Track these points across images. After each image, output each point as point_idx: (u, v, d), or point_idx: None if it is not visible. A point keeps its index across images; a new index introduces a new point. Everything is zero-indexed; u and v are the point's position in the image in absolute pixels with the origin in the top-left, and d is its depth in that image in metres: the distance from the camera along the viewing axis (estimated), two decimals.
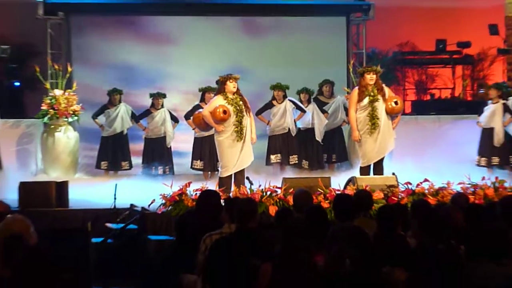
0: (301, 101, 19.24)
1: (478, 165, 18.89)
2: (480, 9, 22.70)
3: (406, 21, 23.05)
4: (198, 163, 18.76)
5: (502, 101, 18.97)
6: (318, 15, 21.33)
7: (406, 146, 18.76)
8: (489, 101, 19.32)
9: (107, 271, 12.54)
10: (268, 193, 14.73)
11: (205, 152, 18.71)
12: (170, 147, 19.52)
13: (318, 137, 19.34)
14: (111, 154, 19.14)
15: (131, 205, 14.15)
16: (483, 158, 18.99)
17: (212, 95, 17.57)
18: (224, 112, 15.81)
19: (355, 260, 7.11)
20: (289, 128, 19.04)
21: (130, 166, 19.34)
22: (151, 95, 19.41)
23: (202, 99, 18.53)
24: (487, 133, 19.02)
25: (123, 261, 13.04)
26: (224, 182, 15.86)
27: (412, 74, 23.44)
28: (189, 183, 14.84)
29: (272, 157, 18.95)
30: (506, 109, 18.90)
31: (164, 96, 19.51)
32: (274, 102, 18.96)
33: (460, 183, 15.30)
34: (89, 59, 20.54)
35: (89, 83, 20.13)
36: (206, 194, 11.21)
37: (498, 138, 18.84)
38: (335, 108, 19.50)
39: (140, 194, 15.43)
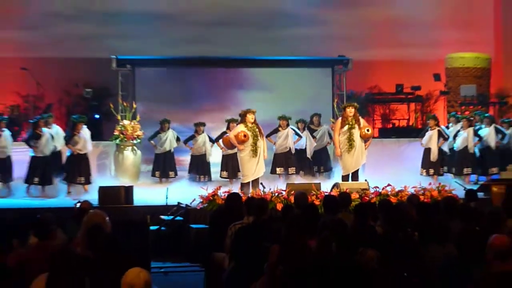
0: (298, 129, 19.10)
1: (421, 174, 18.63)
2: (427, 62, 22.11)
3: (375, 71, 22.52)
4: (224, 173, 18.70)
5: (437, 128, 18.86)
6: (314, 67, 21.18)
7: (375, 161, 18.35)
8: (429, 128, 19.19)
9: (161, 250, 13.19)
10: (276, 194, 15.02)
11: (229, 165, 18.59)
12: (209, 162, 19.26)
13: (309, 155, 19.27)
14: (162, 166, 18.95)
15: (178, 203, 14.98)
16: (424, 170, 18.88)
17: (235, 124, 17.55)
18: (244, 136, 16.11)
19: (338, 243, 7.24)
20: (289, 148, 18.88)
21: (175, 175, 19.07)
22: (195, 124, 19.09)
23: (228, 127, 18.27)
24: (427, 151, 18.92)
25: (172, 243, 13.85)
26: (244, 187, 16.23)
27: (379, 109, 22.81)
28: (219, 187, 15.10)
29: (277, 169, 18.79)
30: (440, 134, 18.75)
31: (203, 124, 19.17)
32: (280, 128, 18.79)
33: (413, 187, 15.44)
34: (149, 98, 20.25)
35: (148, 115, 19.79)
36: (231, 195, 11.74)
37: (433, 155, 18.73)
38: (322, 134, 19.35)
39: (185, 195, 15.48)
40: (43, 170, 17.62)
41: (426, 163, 19.10)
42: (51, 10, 22.06)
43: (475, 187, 15.51)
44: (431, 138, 19.02)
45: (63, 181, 17.78)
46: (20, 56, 21.08)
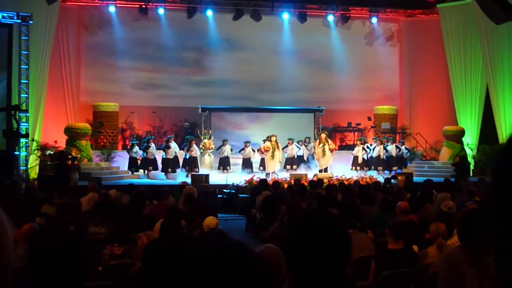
0: (299, 144, 20.58)
1: (351, 170, 19.94)
2: (364, 110, 23.38)
3: (336, 115, 23.75)
4: (260, 168, 20.13)
5: (362, 145, 20.27)
6: (304, 112, 23.04)
7: (335, 162, 20.61)
8: (356, 145, 20.55)
9: (223, 207, 14.77)
10: (284, 179, 17.32)
11: (262, 163, 20.06)
12: (251, 161, 20.35)
13: (305, 158, 20.65)
14: (223, 164, 20.26)
15: (232, 183, 17.20)
16: (353, 167, 20.20)
17: (263, 142, 19.86)
18: (267, 148, 19.30)
19: (318, 204, 8.46)
20: (293, 155, 20.40)
21: (230, 168, 20.18)
22: (245, 142, 20.46)
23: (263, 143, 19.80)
24: (355, 157, 20.32)
25: (229, 204, 15.66)
26: (266, 175, 18.59)
27: (338, 135, 24.03)
28: (253, 175, 18.08)
29: (287, 166, 20.16)
30: (363, 148, 20.19)
31: (249, 142, 20.35)
32: (288, 144, 20.31)
33: (357, 176, 18.29)
34: (221, 129, 22.09)
35: (218, 137, 21.25)
36: (261, 180, 14.06)
37: (359, 160, 20.14)
38: (310, 147, 20.70)
39: (237, 179, 17.64)
40: (171, 165, 19.67)
41: (355, 164, 20.38)
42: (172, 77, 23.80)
43: (388, 177, 16.40)
44: (358, 150, 20.35)
45: (185, 170, 19.55)
46: (152, 104, 22.88)
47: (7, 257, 1.24)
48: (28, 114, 17.60)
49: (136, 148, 19.56)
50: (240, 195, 15.83)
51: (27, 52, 17.83)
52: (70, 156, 16.68)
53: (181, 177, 18.60)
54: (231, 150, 20.22)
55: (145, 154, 19.43)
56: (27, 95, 17.80)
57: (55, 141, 19.02)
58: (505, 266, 1.05)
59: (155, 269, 2.13)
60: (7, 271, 1.24)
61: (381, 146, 20.47)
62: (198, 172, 19.06)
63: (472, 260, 3.51)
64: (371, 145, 20.90)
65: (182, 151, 19.78)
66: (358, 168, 20.18)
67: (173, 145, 19.73)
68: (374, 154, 20.49)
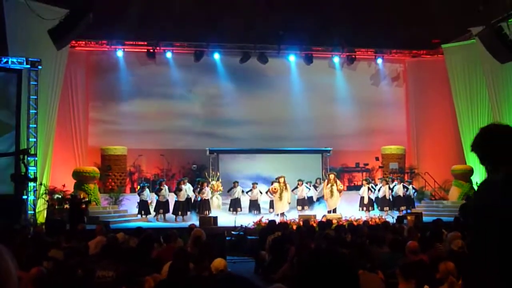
0: (308, 185, 20.73)
1: (359, 210, 19.88)
2: (372, 151, 23.55)
3: (344, 156, 23.68)
4: (270, 210, 20.19)
5: (367, 185, 20.30)
6: (312, 153, 22.91)
7: (344, 202, 20.47)
8: (363, 185, 20.59)
9: (232, 250, 14.32)
10: (292, 220, 17.37)
11: (271, 205, 20.23)
12: (259, 203, 20.46)
13: (314, 199, 20.74)
14: (233, 206, 20.30)
15: (241, 225, 16.68)
16: (360, 208, 20.19)
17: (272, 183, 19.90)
18: (275, 189, 19.31)
19: (327, 245, 8.29)
20: (304, 196, 20.51)
21: (241, 210, 20.22)
22: (253, 183, 20.56)
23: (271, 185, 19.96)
24: (361, 198, 20.33)
25: (237, 246, 15.16)
26: (275, 217, 18.27)
27: (346, 175, 23.96)
28: (262, 217, 17.88)
29: (299, 207, 20.26)
30: (369, 189, 20.15)
31: (257, 183, 20.46)
32: (298, 186, 20.47)
33: (366, 217, 18.22)
34: (226, 171, 21.97)
35: (226, 178, 21.40)
36: (270, 221, 13.86)
37: (365, 200, 20.17)
38: (320, 189, 20.73)
39: (245, 221, 17.58)
40: (183, 208, 19.61)
41: (362, 204, 20.34)
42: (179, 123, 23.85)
43: (400, 215, 16.50)
44: (364, 191, 20.34)
45: (196, 213, 19.38)
46: (160, 147, 22.80)
47: None
48: (36, 158, 17.76)
49: (147, 191, 19.53)
50: (249, 237, 15.75)
51: (36, 97, 18.09)
52: (83, 200, 16.68)
53: (193, 220, 18.56)
54: (242, 191, 20.30)
55: (157, 197, 19.47)
56: (35, 139, 18.02)
57: (63, 185, 19.11)
58: None
59: None
60: None
61: (387, 186, 20.40)
62: (209, 214, 19.09)
63: None
64: (376, 185, 20.88)
65: (193, 193, 19.84)
66: (365, 208, 20.18)
67: (187, 187, 19.81)
68: (380, 195, 20.40)
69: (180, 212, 19.49)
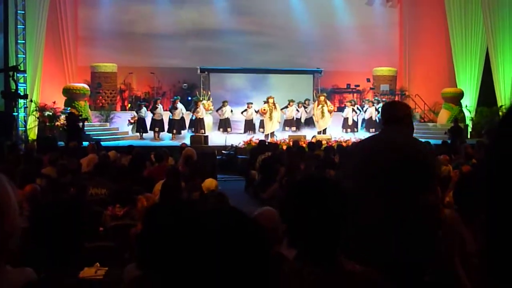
0: (298, 106, 20.81)
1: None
2: (363, 72, 23.39)
3: (336, 77, 23.74)
4: (261, 129, 20.18)
5: (352, 107, 20.69)
6: (304, 74, 22.97)
7: (333, 123, 20.72)
8: (346, 107, 21.00)
9: (222, 169, 14.61)
10: (282, 140, 17.83)
11: (261, 124, 20.23)
12: (254, 123, 20.42)
13: (302, 120, 20.85)
14: (223, 125, 20.37)
15: (231, 144, 17.42)
16: (343, 129, 20.50)
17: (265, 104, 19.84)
18: (264, 110, 19.37)
19: (316, 166, 8.75)
20: (292, 117, 20.63)
21: (231, 130, 20.25)
22: (247, 103, 20.36)
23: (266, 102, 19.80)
24: (345, 119, 20.66)
25: (228, 165, 15.53)
26: (265, 137, 18.85)
27: (337, 96, 24.38)
28: (252, 137, 18.54)
29: (286, 128, 20.44)
30: (353, 110, 20.61)
31: (251, 103, 20.23)
32: (288, 106, 20.58)
33: (354, 138, 18.50)
34: (216, 88, 22.06)
35: (217, 97, 21.29)
36: (260, 141, 14.51)
37: (349, 121, 20.60)
38: (310, 109, 20.81)
39: (236, 140, 17.89)
40: (178, 126, 19.86)
41: (345, 126, 20.77)
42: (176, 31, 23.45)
43: None
44: (348, 112, 20.77)
45: (191, 132, 19.43)
46: (150, 65, 22.58)
47: (13, 222, 1.25)
48: (26, 75, 17.61)
49: (144, 109, 19.60)
50: (239, 156, 15.89)
51: (23, 12, 17.74)
52: (81, 118, 16.64)
53: (188, 138, 18.60)
54: (231, 111, 20.30)
55: (152, 115, 19.61)
56: (24, 56, 17.79)
57: (54, 102, 19.07)
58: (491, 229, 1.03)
59: (155, 232, 2.19)
60: (14, 234, 1.25)
61: (373, 108, 20.54)
62: (204, 133, 19.10)
63: (468, 222, 3.65)
64: (362, 107, 21.11)
65: (189, 112, 19.86)
66: (349, 130, 20.39)
67: (180, 106, 19.85)
68: (366, 116, 20.66)
69: (175, 131, 19.58)
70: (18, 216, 1.31)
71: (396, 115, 3.56)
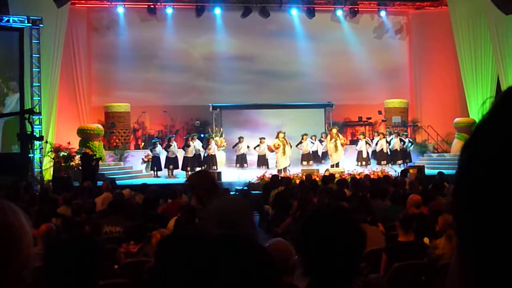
0: (313, 140, 20.88)
1: (356, 165, 20.16)
2: (375, 105, 23.37)
3: (347, 110, 23.51)
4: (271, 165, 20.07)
5: (364, 139, 20.71)
6: (315, 108, 23.04)
7: (347, 158, 20.87)
8: (359, 140, 20.94)
9: None
10: (295, 174, 17.89)
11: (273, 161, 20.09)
12: (267, 158, 20.52)
13: (320, 153, 20.92)
14: (240, 161, 20.56)
15: (248, 182, 17.54)
16: (358, 162, 20.49)
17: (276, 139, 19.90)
18: (278, 145, 19.48)
19: (329, 199, 8.52)
20: (309, 151, 20.65)
21: (247, 166, 20.44)
22: (260, 138, 20.48)
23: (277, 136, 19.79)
24: (359, 152, 20.57)
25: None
26: (278, 171, 18.93)
27: (349, 129, 24.10)
28: (266, 172, 18.48)
29: (304, 162, 20.46)
30: (366, 142, 20.57)
31: (264, 138, 20.32)
32: (302, 140, 20.58)
33: (368, 171, 18.65)
34: (228, 126, 22.07)
35: (230, 134, 21.62)
36: (273, 176, 14.38)
37: (364, 154, 20.50)
38: (325, 143, 20.73)
39: (249, 176, 18.21)
40: (191, 164, 19.74)
41: (360, 159, 20.65)
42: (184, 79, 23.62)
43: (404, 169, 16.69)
44: (361, 145, 20.61)
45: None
46: (163, 104, 22.83)
47: (27, 250, 1.27)
48: (41, 117, 17.91)
49: (159, 147, 19.73)
50: (253, 192, 15.86)
51: (38, 55, 18.14)
52: (95, 158, 16.83)
53: None
54: (248, 147, 20.40)
55: (166, 153, 19.70)
56: (39, 98, 18.10)
57: (68, 143, 19.26)
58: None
59: (167, 263, 2.17)
60: (28, 264, 1.28)
61: (384, 140, 20.57)
62: (216, 170, 19.16)
63: None
64: (372, 139, 21.07)
65: (202, 149, 20.03)
66: (364, 162, 20.35)
67: (197, 143, 20.06)
68: (377, 148, 20.57)
69: (189, 168, 19.52)
70: (33, 247, 1.34)
71: None
